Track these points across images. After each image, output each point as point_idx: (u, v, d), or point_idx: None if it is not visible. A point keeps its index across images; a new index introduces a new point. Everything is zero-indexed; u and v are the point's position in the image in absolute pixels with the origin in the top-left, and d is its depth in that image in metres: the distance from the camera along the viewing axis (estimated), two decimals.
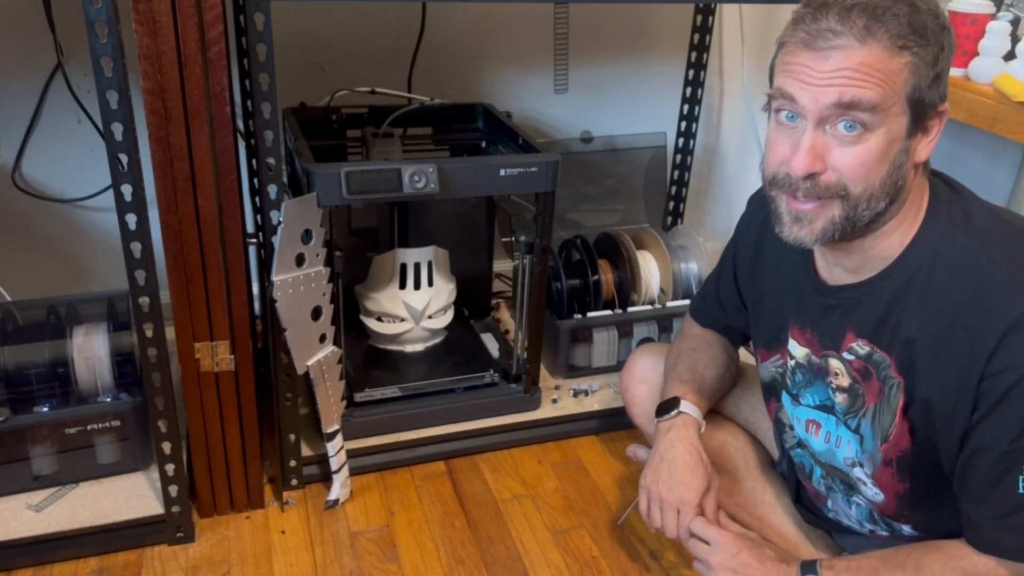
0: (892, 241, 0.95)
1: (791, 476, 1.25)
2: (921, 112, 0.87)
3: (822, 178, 0.89)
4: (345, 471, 1.40)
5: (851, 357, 1.01)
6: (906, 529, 1.08)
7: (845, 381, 1.03)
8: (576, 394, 1.65)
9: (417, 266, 1.54)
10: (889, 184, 0.89)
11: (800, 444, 1.16)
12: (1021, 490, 0.89)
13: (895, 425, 0.98)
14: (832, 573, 1.03)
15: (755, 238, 1.17)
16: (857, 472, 1.06)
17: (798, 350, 1.10)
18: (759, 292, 1.17)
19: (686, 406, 1.19)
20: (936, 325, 0.92)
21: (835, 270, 1.02)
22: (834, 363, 1.04)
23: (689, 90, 1.90)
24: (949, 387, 0.91)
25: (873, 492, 1.06)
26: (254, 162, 1.58)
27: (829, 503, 1.16)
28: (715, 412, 1.32)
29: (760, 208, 1.14)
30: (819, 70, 0.85)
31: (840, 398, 1.04)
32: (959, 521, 0.98)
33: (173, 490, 1.27)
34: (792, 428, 1.15)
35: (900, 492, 1.03)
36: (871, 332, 0.98)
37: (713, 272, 1.30)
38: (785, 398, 1.15)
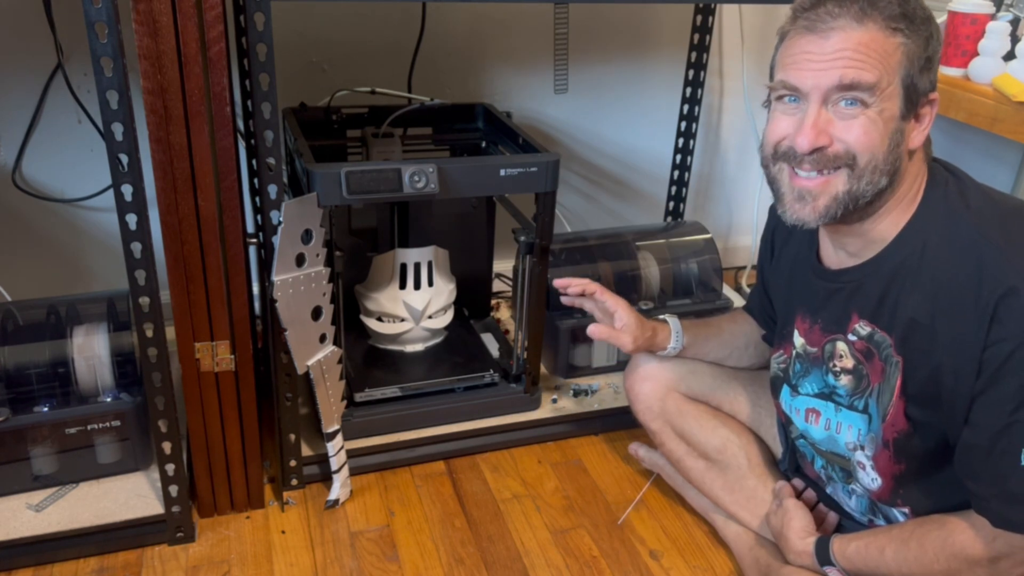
0: (890, 221, 0.98)
1: (792, 473, 1.27)
2: (913, 96, 0.92)
3: (829, 150, 0.93)
4: (345, 471, 1.40)
5: (854, 338, 1.04)
6: (902, 517, 1.10)
7: (849, 363, 1.05)
8: (576, 394, 1.65)
9: (417, 266, 1.54)
10: (890, 160, 0.93)
11: (802, 436, 1.17)
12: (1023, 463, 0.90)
13: (892, 404, 1.01)
14: (842, 544, 1.08)
15: (771, 234, 1.23)
16: (859, 456, 1.08)
17: (798, 340, 1.13)
18: (777, 291, 1.22)
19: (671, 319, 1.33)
20: (935, 302, 0.94)
21: (839, 254, 1.05)
22: (840, 346, 1.06)
23: (689, 90, 1.90)
24: (953, 362, 0.93)
25: (871, 478, 1.08)
26: (254, 162, 1.58)
27: (829, 489, 1.19)
28: (718, 409, 1.33)
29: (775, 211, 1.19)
30: (820, 52, 0.90)
31: (844, 380, 1.07)
32: (951, 502, 1.00)
33: (173, 490, 1.27)
34: (792, 421, 1.17)
35: (896, 473, 1.05)
36: (872, 312, 1.01)
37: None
38: (785, 390, 1.17)
